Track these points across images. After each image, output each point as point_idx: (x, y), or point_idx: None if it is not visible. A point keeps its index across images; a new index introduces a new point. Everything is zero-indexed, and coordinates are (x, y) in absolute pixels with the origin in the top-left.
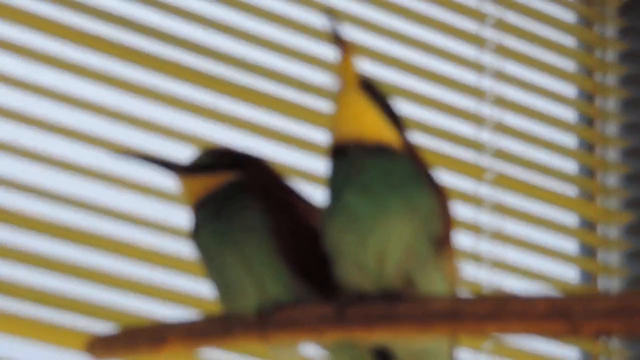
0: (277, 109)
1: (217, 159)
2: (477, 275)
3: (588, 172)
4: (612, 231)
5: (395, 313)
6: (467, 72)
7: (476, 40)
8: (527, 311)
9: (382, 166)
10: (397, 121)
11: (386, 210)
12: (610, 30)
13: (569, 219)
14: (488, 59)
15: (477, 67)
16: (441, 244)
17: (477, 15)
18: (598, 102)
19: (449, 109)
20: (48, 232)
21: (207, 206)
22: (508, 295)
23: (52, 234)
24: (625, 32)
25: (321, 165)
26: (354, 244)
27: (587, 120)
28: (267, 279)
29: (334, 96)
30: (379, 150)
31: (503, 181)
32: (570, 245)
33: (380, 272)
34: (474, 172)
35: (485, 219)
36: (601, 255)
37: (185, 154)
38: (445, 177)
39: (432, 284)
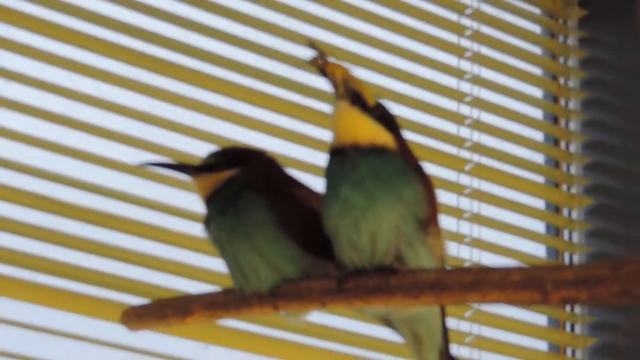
0: (283, 111)
1: (221, 158)
2: (459, 254)
3: (553, 162)
4: (574, 213)
5: (388, 285)
6: (448, 77)
7: (456, 50)
8: (504, 280)
9: (373, 164)
10: (390, 122)
11: (376, 200)
12: (572, 40)
13: (538, 203)
14: (467, 65)
15: (457, 73)
16: (427, 225)
17: (456, 27)
18: (562, 102)
19: (434, 110)
20: (90, 220)
21: (214, 202)
22: (487, 267)
23: (93, 222)
24: (584, 42)
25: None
26: (350, 228)
27: (553, 118)
28: (281, 263)
29: (331, 106)
30: (372, 151)
31: (481, 171)
32: (538, 226)
33: (373, 250)
34: (456, 163)
35: (466, 204)
36: (565, 235)
37: (202, 151)
38: (431, 169)
39: (420, 259)
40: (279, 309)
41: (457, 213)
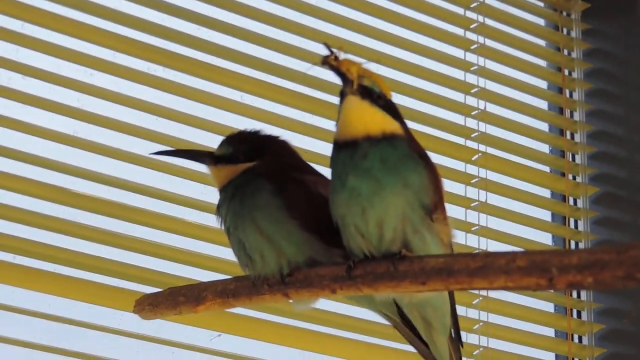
0: (294, 103)
1: (238, 147)
2: (466, 242)
3: (559, 152)
4: (580, 202)
5: (396, 271)
6: (455, 70)
7: (462, 43)
8: (510, 265)
9: (383, 151)
10: (395, 110)
11: (383, 188)
12: (575, 32)
13: (544, 192)
14: (473, 58)
15: (464, 65)
16: (433, 211)
17: (463, 21)
18: (566, 93)
19: (441, 102)
20: (105, 211)
21: (226, 189)
22: (493, 252)
23: (108, 214)
24: (588, 33)
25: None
26: (357, 216)
27: (557, 109)
28: (285, 245)
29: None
30: (382, 139)
31: (488, 162)
32: (545, 215)
33: (380, 238)
34: (463, 154)
35: (473, 193)
36: (571, 223)
37: (213, 143)
38: (438, 159)
39: (427, 245)
40: (290, 297)
41: (464, 202)
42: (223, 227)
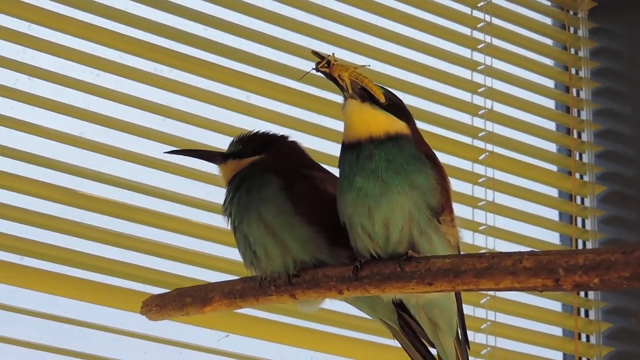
0: (301, 104)
1: (247, 144)
2: (474, 242)
3: (566, 151)
4: (587, 201)
5: (402, 272)
6: (462, 70)
7: (469, 42)
8: (516, 266)
9: (388, 152)
10: (401, 109)
11: (389, 189)
12: (582, 31)
13: (551, 191)
14: (480, 57)
15: (471, 65)
16: (440, 212)
17: (470, 21)
18: (573, 92)
19: (448, 101)
20: (111, 212)
21: (232, 182)
22: (500, 253)
23: (114, 214)
24: (594, 32)
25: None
26: (364, 217)
27: (564, 108)
28: (290, 240)
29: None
30: (387, 140)
31: (495, 161)
32: (552, 214)
33: (387, 238)
34: (470, 153)
35: (481, 193)
36: (579, 222)
37: (220, 143)
38: (446, 159)
39: (433, 247)
40: (297, 298)
41: (472, 202)
42: (229, 225)
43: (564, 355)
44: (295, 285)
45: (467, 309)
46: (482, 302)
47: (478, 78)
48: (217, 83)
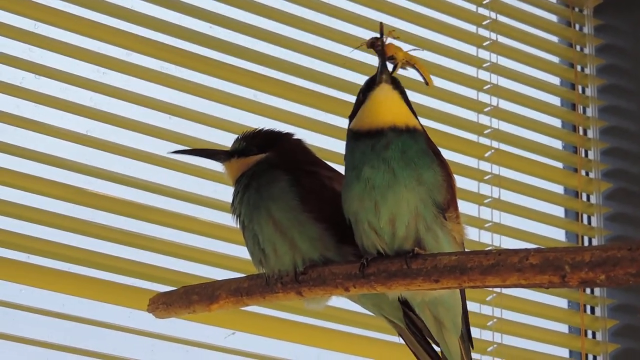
0: (307, 102)
1: (252, 141)
2: (480, 239)
3: (572, 148)
4: (593, 198)
5: (409, 269)
6: (467, 67)
7: (475, 39)
8: (523, 263)
9: (404, 143)
10: (414, 111)
11: (397, 182)
12: (588, 27)
13: (557, 188)
14: (485, 55)
15: (476, 62)
16: (446, 209)
17: (475, 18)
18: (579, 89)
19: (454, 98)
20: (118, 210)
21: (240, 180)
22: (506, 250)
23: (121, 212)
24: (600, 29)
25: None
26: (370, 212)
27: (570, 105)
28: (299, 238)
29: (366, 92)
30: (406, 132)
31: (500, 158)
32: (558, 211)
33: (393, 235)
34: (476, 150)
35: (486, 190)
36: (584, 219)
37: (227, 142)
38: (451, 156)
39: (439, 243)
40: (304, 295)
41: (477, 199)
42: (238, 224)
43: (570, 352)
44: (302, 282)
45: (474, 306)
46: (488, 299)
47: (484, 75)
48: (225, 81)
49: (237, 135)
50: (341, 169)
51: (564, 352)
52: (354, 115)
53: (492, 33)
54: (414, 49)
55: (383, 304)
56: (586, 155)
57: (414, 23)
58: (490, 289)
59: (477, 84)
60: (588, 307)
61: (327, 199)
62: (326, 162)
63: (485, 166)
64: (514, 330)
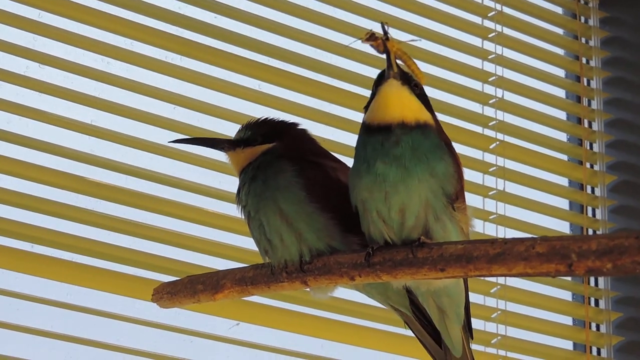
0: (310, 92)
1: (257, 130)
2: (484, 230)
3: (577, 140)
4: (598, 190)
5: (415, 258)
6: (473, 59)
7: (480, 31)
8: (529, 252)
9: (415, 140)
10: (427, 100)
11: (410, 177)
12: (593, 20)
13: (561, 180)
14: (491, 47)
15: (482, 54)
16: (455, 200)
17: (480, 10)
18: (584, 81)
19: (459, 90)
20: (122, 200)
21: (246, 171)
22: (512, 239)
23: (125, 202)
24: (605, 21)
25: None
26: (380, 202)
27: (575, 97)
28: (305, 228)
29: (377, 86)
30: (416, 127)
31: (506, 150)
32: (562, 203)
33: (402, 224)
34: (481, 142)
35: (491, 182)
36: (589, 211)
37: (230, 132)
38: (457, 148)
39: (447, 233)
40: (309, 285)
41: (482, 191)
42: (243, 214)
43: (574, 344)
44: (307, 271)
45: (478, 298)
46: (492, 291)
47: (489, 67)
48: (228, 71)
49: (240, 125)
50: (345, 159)
51: (568, 345)
52: (368, 107)
53: (497, 25)
54: (413, 40)
55: (389, 292)
56: (591, 147)
57: (419, 14)
58: (495, 280)
59: (482, 76)
60: (592, 300)
61: (333, 189)
62: (332, 153)
63: (490, 158)
64: (518, 323)
